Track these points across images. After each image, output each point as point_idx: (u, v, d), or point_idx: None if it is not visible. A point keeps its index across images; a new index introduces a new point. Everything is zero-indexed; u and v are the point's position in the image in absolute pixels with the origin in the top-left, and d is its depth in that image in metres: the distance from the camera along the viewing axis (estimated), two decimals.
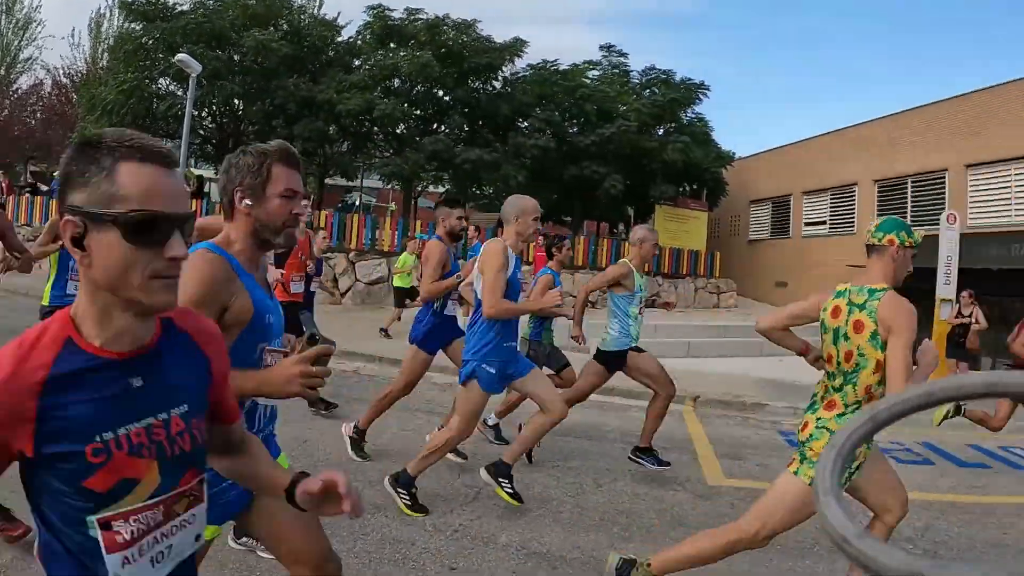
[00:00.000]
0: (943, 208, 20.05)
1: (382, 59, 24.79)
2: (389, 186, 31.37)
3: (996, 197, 21.15)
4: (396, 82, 25.58)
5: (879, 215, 24.31)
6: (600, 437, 8.33)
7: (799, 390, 12.08)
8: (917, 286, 16.45)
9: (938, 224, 16.29)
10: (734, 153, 29.64)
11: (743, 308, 25.80)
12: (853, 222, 25.41)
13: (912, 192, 23.40)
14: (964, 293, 14.71)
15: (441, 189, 29.07)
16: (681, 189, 28.17)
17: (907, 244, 3.80)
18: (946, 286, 15.53)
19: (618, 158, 25.13)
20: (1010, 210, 20.66)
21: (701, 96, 27.38)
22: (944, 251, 15.71)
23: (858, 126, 25.79)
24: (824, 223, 26.94)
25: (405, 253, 15.77)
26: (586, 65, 28.04)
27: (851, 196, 25.81)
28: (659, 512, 5.85)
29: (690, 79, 27.28)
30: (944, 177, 22.40)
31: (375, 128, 26.13)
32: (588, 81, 27.11)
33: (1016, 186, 20.54)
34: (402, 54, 24.60)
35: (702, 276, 26.29)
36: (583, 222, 29.76)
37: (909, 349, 3.55)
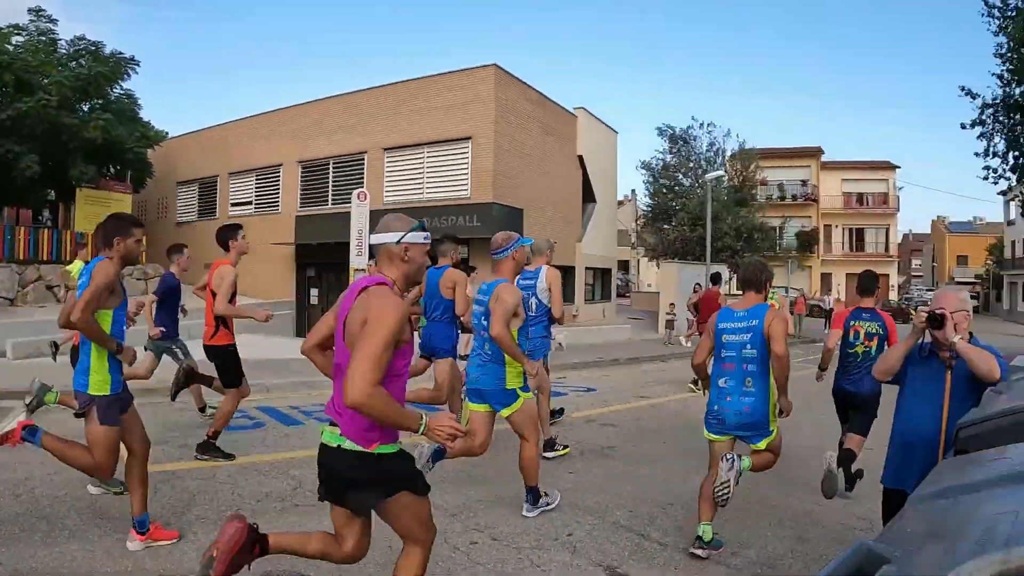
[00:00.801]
0: (363, 186, 21.39)
1: None
2: None
3: (410, 176, 23.08)
4: None
5: (302, 195, 25.16)
6: None
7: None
8: (332, 262, 17.09)
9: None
10: (167, 132, 28.45)
11: None
12: (278, 202, 25.96)
13: (333, 172, 24.52)
14: (370, 262, 15.55)
15: None
16: (104, 170, 25.98)
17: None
18: (359, 257, 16.40)
19: (36, 136, 22.01)
20: (422, 188, 22.70)
21: (130, 71, 25.23)
22: (355, 226, 16.58)
23: (283, 110, 26.29)
24: (250, 203, 27.16)
25: (78, 261, 13.63)
26: (10, 29, 23.83)
27: (276, 176, 26.30)
28: (81, 511, 5.46)
29: (120, 52, 25.09)
30: (363, 159, 23.82)
31: None
32: (11, 48, 23.37)
33: (428, 167, 22.58)
34: None
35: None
36: (2, 209, 26.11)
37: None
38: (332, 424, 3.19)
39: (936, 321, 4.02)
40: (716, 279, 15.20)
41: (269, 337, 18.68)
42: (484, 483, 6.64)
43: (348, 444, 3.12)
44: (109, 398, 4.60)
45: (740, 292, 5.53)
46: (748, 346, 5.03)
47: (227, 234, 7.07)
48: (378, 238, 3.28)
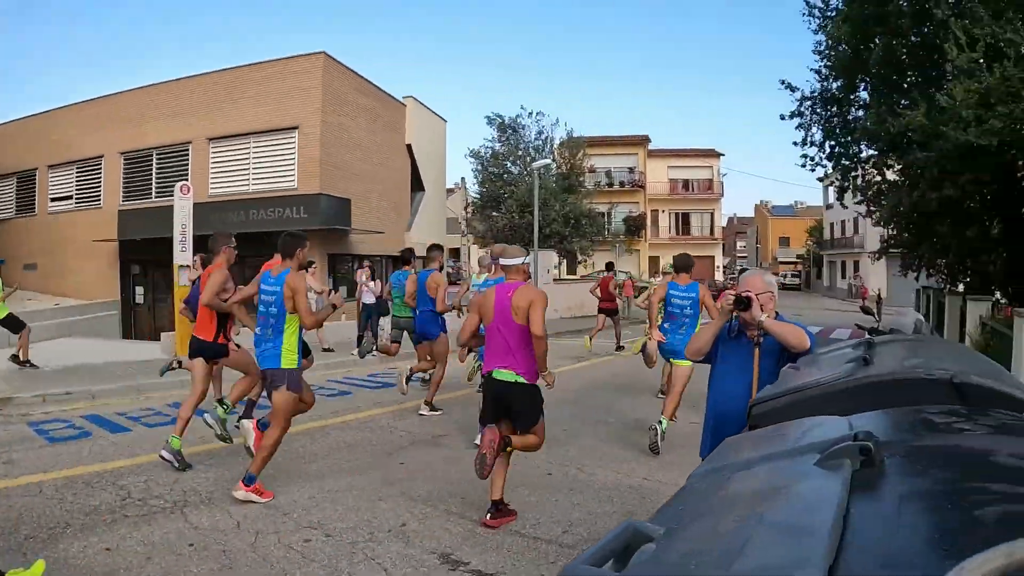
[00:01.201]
0: (188, 178, 21.11)
1: None
2: None
3: (236, 168, 23.09)
4: None
5: (125, 187, 24.56)
6: None
7: (47, 377, 12.04)
8: (157, 258, 16.80)
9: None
10: None
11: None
12: (100, 195, 25.34)
13: (157, 164, 24.22)
14: (195, 257, 15.47)
15: None
16: None
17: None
18: (183, 252, 16.21)
19: None
20: (248, 179, 22.61)
21: None
22: (178, 220, 16.40)
23: (104, 98, 25.56)
24: (71, 198, 26.37)
25: None
26: None
27: (98, 169, 25.63)
28: None
29: None
30: (188, 149, 23.59)
31: None
32: None
33: (254, 158, 22.56)
34: None
35: None
36: None
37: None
38: (502, 368, 5.60)
39: (743, 303, 4.28)
40: (610, 267, 19.46)
41: (90, 340, 18.21)
42: (315, 479, 6.80)
43: (522, 379, 5.56)
44: (297, 371, 6.19)
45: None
46: (688, 308, 8.62)
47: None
48: (511, 261, 5.79)
